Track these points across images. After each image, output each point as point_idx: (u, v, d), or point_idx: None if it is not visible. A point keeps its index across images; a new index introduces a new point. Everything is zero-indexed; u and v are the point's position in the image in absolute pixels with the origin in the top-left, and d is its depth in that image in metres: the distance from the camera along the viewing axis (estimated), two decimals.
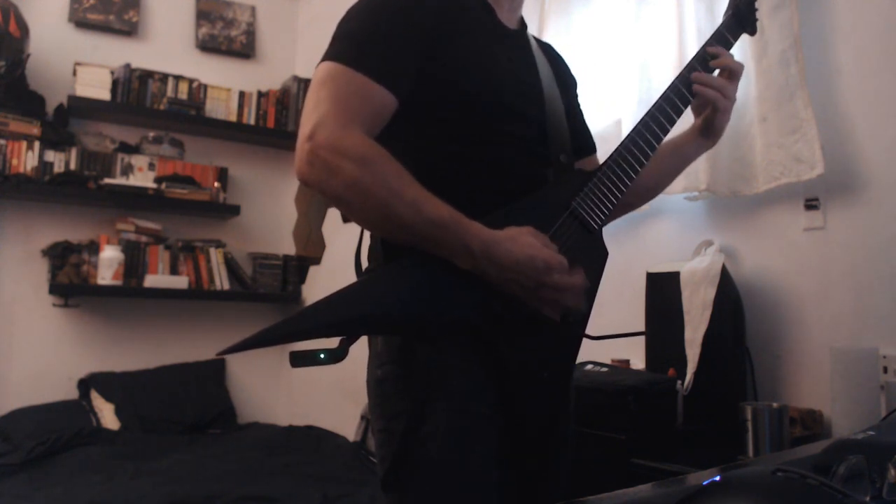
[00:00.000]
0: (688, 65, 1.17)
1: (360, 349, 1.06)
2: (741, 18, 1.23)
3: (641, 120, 1.11)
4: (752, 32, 1.27)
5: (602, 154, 1.20)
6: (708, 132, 1.22)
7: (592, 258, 1.06)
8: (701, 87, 1.14)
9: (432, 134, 1.01)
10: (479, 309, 0.94)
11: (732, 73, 1.17)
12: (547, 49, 1.25)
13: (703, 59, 1.17)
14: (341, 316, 0.88)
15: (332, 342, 0.89)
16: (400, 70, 0.97)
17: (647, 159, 1.09)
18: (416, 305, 0.92)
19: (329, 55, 0.97)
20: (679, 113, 1.14)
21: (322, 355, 0.87)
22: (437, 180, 0.94)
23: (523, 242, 0.93)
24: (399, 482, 0.95)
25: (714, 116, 1.19)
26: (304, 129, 0.92)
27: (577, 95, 1.29)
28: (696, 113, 1.22)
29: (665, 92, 1.14)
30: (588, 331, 1.07)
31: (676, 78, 1.15)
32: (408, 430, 0.92)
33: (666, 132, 1.12)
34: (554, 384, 1.04)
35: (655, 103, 1.12)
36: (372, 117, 0.95)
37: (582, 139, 1.26)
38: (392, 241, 0.97)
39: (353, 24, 0.99)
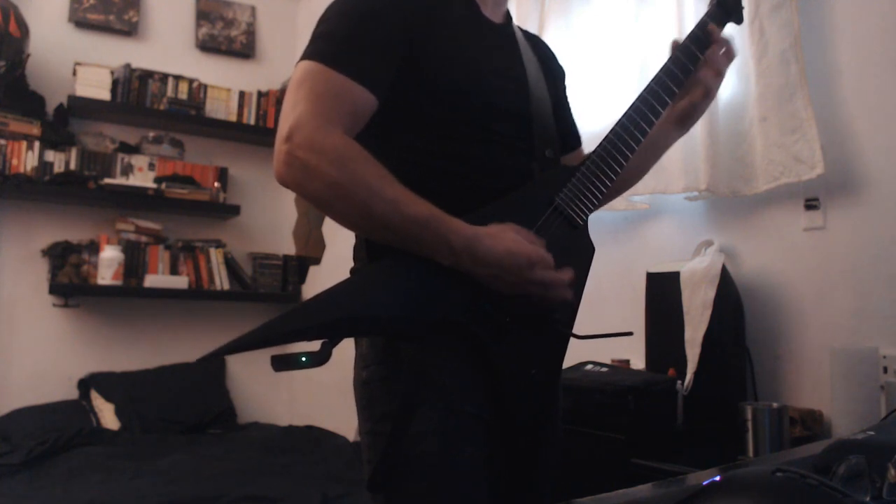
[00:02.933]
0: (671, 57, 1.15)
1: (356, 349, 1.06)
2: (727, 7, 1.22)
3: (625, 113, 1.09)
4: (739, 21, 1.26)
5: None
6: (685, 120, 1.21)
7: (578, 254, 1.05)
8: (706, 71, 1.14)
9: (416, 131, 1.01)
10: (465, 308, 0.93)
11: (729, 54, 1.18)
12: (534, 41, 1.24)
13: (690, 47, 1.16)
14: (324, 318, 0.86)
15: (316, 345, 0.88)
16: (379, 69, 0.96)
17: (631, 152, 1.07)
18: (401, 306, 0.91)
19: (307, 54, 0.96)
20: (664, 106, 1.12)
21: (304, 358, 0.85)
22: (422, 178, 0.93)
23: (505, 238, 0.92)
24: (387, 483, 0.94)
25: (700, 102, 1.18)
26: (282, 129, 0.91)
27: (565, 87, 1.27)
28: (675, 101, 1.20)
29: (649, 84, 1.12)
30: (586, 330, 1.06)
31: (661, 70, 1.13)
32: (395, 432, 0.91)
33: (651, 125, 1.10)
34: (543, 382, 1.03)
35: (639, 96, 1.11)
36: (351, 117, 0.94)
37: (568, 132, 1.25)
38: (375, 240, 0.96)
39: (332, 23, 0.98)
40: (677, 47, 1.17)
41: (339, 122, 0.92)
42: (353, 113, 0.94)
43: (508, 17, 1.18)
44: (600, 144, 1.07)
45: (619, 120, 1.09)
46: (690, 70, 1.15)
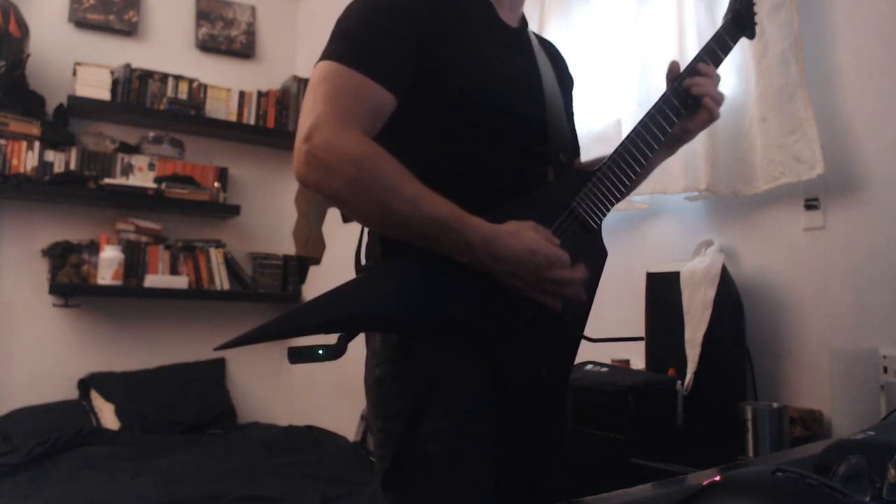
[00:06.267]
0: (688, 67, 1.16)
1: (361, 348, 1.06)
2: (740, 21, 1.23)
3: (641, 120, 1.11)
4: (751, 36, 1.27)
5: (600, 154, 1.20)
6: (676, 142, 1.20)
7: (592, 258, 1.06)
8: (707, 99, 1.13)
9: (430, 133, 1.01)
10: (476, 308, 0.94)
11: (714, 99, 1.15)
12: (548, 47, 1.25)
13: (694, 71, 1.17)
14: (338, 313, 0.88)
15: (331, 338, 0.89)
16: (397, 68, 0.97)
17: (646, 160, 1.09)
18: (413, 304, 0.92)
19: (326, 55, 0.96)
20: (679, 115, 1.14)
21: (321, 351, 0.87)
22: (435, 179, 0.93)
23: (525, 237, 0.93)
24: (399, 481, 0.95)
25: (697, 128, 1.17)
26: (302, 129, 0.91)
27: (572, 97, 1.29)
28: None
29: (665, 93, 1.14)
30: (588, 330, 1.07)
31: (676, 80, 1.15)
32: (407, 430, 0.92)
33: (666, 133, 1.12)
34: (552, 384, 1.04)
35: (655, 104, 1.13)
36: (370, 116, 0.94)
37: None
38: (391, 238, 0.97)
39: (350, 23, 0.99)
40: (696, 58, 1.18)
41: (358, 121, 0.92)
42: (371, 112, 0.95)
43: (524, 20, 1.18)
44: (616, 150, 1.08)
45: (636, 127, 1.10)
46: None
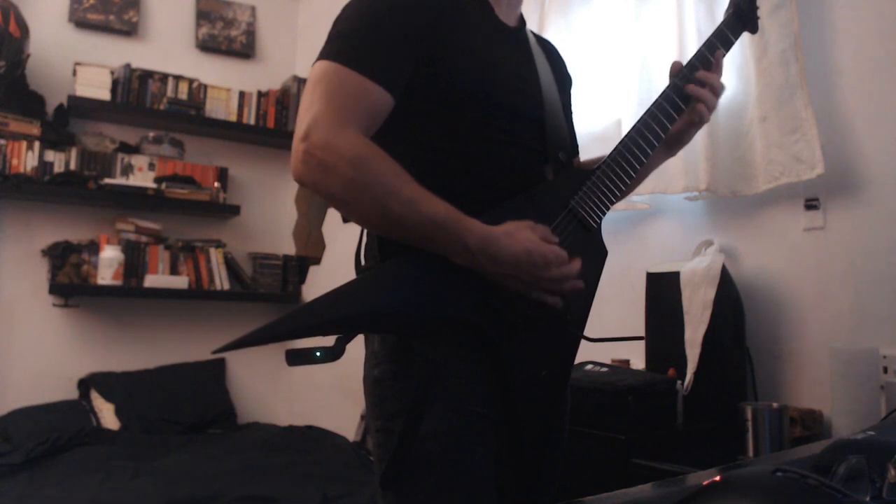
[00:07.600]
0: (688, 63, 1.16)
1: (361, 348, 1.06)
2: (742, 16, 1.23)
3: (641, 119, 1.11)
4: (754, 30, 1.26)
5: (600, 154, 1.20)
6: (675, 144, 1.22)
7: (592, 257, 1.06)
8: (698, 100, 1.14)
9: (428, 131, 1.01)
10: (476, 307, 0.94)
11: (714, 90, 1.16)
12: (546, 46, 1.25)
13: (698, 66, 1.17)
14: (337, 314, 0.88)
15: (329, 340, 0.89)
16: (395, 68, 0.97)
17: (646, 158, 1.09)
18: (412, 304, 0.92)
19: (324, 54, 0.96)
20: (679, 112, 1.14)
21: (318, 353, 0.87)
22: (434, 177, 0.93)
23: (521, 237, 0.93)
24: (398, 481, 0.95)
25: (689, 130, 1.19)
26: (299, 129, 0.91)
27: (571, 95, 1.29)
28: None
29: (665, 90, 1.14)
30: (588, 329, 1.07)
31: (677, 77, 1.15)
32: (406, 430, 0.92)
33: (666, 131, 1.12)
34: (552, 384, 1.04)
35: (655, 102, 1.13)
36: (367, 116, 0.94)
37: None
38: (389, 239, 0.97)
39: (348, 23, 0.99)
40: (697, 53, 1.18)
41: (356, 121, 0.92)
42: (369, 112, 0.95)
43: (522, 20, 1.18)
44: (615, 148, 1.08)
45: (635, 125, 1.10)
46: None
